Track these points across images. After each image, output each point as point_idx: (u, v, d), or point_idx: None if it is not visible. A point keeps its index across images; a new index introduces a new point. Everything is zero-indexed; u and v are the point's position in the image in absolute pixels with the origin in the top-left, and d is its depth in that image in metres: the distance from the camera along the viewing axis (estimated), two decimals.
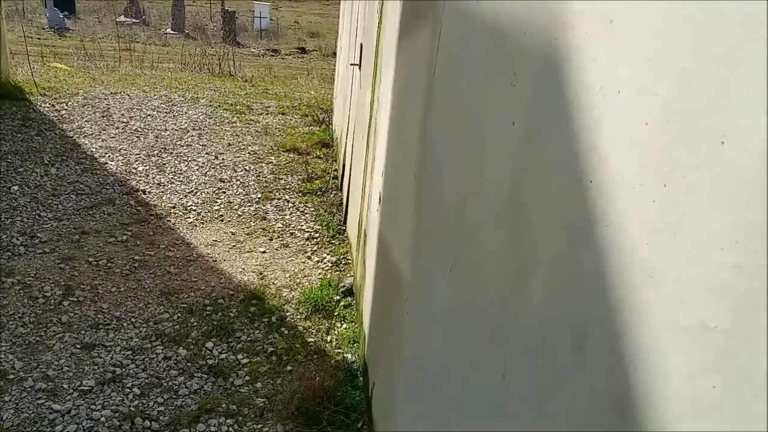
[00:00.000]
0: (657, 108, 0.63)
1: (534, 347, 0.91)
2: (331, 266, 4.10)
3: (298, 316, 3.54)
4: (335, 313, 3.57)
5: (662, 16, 0.64)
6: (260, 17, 22.78)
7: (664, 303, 0.59)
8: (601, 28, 0.77)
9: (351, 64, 4.59)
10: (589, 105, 0.78)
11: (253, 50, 19.50)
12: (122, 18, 22.78)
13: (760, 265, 0.48)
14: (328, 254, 4.25)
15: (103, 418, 2.72)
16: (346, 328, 3.43)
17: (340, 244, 4.41)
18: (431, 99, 1.80)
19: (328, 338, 3.37)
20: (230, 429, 2.72)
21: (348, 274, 3.93)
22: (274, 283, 3.85)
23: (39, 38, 18.96)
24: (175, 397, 2.87)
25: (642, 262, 0.64)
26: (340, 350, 3.26)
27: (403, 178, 2.24)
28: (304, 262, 4.15)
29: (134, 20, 22.49)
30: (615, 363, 0.67)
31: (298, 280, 3.91)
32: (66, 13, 22.64)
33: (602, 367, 0.71)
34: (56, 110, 6.91)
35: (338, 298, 3.68)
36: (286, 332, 3.39)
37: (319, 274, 4.00)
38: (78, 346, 3.19)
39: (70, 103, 7.20)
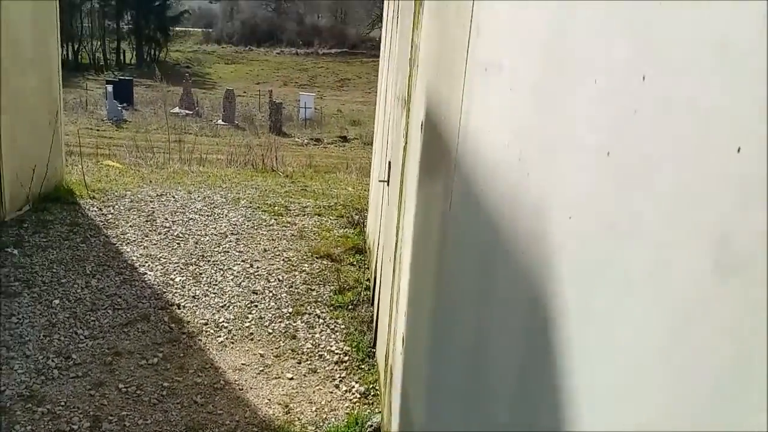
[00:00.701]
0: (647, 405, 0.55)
1: None
2: (360, 398, 3.97)
3: None
4: None
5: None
6: (305, 107, 23.70)
7: None
8: (583, 311, 0.72)
9: (380, 181, 4.63)
10: (582, 387, 0.71)
11: (297, 139, 20.16)
12: (176, 109, 24.03)
13: None
14: (356, 383, 4.14)
15: None
16: None
17: (369, 369, 4.30)
18: (442, 262, 1.75)
19: None
20: None
21: (376, 410, 3.79)
22: (299, 419, 3.74)
23: (98, 129, 20.13)
24: None
25: None
26: None
27: (421, 330, 2.17)
28: (331, 392, 4.04)
29: (188, 111, 23.66)
30: None
31: (324, 415, 3.79)
32: (124, 104, 24.06)
33: None
34: (103, 214, 7.16)
35: None
36: None
37: (347, 407, 3.88)
38: None
39: (117, 206, 7.47)
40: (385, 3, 7.46)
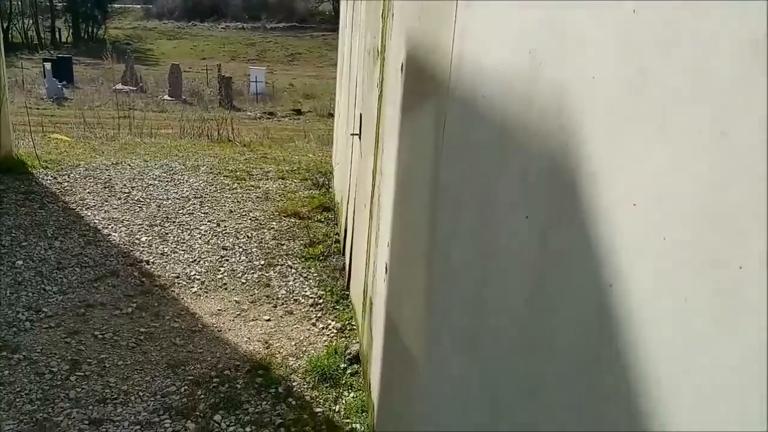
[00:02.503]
0: (674, 224, 0.70)
1: None
2: (337, 332, 4.12)
3: (305, 386, 3.54)
4: (342, 382, 3.57)
5: (683, 146, 0.72)
6: (256, 81, 23.35)
7: (698, 425, 0.64)
8: (612, 144, 0.85)
9: (351, 134, 4.73)
10: (604, 210, 0.85)
11: (250, 113, 19.87)
12: (120, 86, 23.28)
13: None
14: (332, 320, 4.27)
15: None
16: (353, 397, 3.43)
17: (344, 309, 4.44)
18: (438, 182, 1.88)
19: (336, 408, 3.36)
20: None
21: (354, 341, 3.94)
22: (279, 352, 3.86)
23: (38, 108, 19.30)
24: None
25: (669, 383, 0.69)
26: (348, 420, 3.24)
27: (411, 252, 2.30)
28: (309, 329, 4.17)
29: (131, 88, 22.96)
30: None
31: (303, 348, 3.92)
32: (64, 82, 23.14)
33: None
34: (58, 182, 7.02)
35: (345, 365, 3.68)
36: (293, 403, 3.38)
37: (325, 341, 4.02)
38: (86, 422, 3.17)
39: (72, 175, 7.32)
40: None
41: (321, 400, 3.41)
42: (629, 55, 0.83)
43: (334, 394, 3.46)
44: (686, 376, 0.66)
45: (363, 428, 3.15)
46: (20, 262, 4.97)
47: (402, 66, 2.68)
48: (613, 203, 0.84)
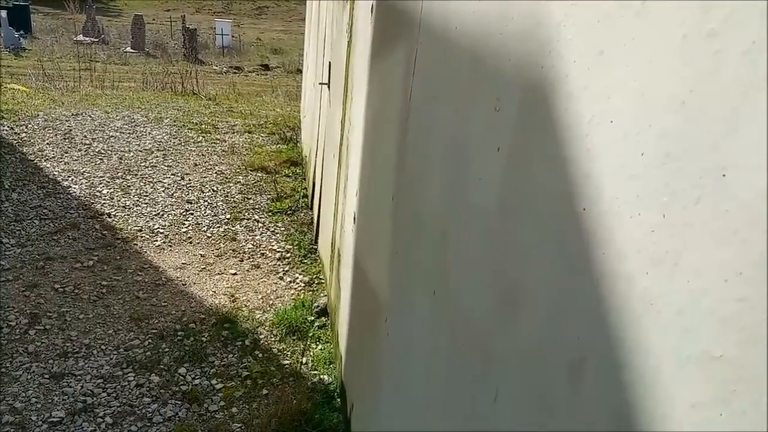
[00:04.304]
0: (653, 139, 0.65)
1: (528, 374, 0.92)
2: (304, 286, 4.07)
3: (272, 339, 3.50)
4: (310, 334, 3.54)
5: (658, 50, 0.66)
6: (222, 34, 22.65)
7: (666, 333, 0.61)
8: (590, 58, 0.79)
9: (320, 84, 4.59)
10: (580, 134, 0.80)
11: (216, 67, 19.32)
12: (81, 37, 22.39)
13: (763, 296, 0.49)
14: (300, 274, 4.22)
15: None
16: (321, 349, 3.40)
17: (312, 263, 4.38)
18: (408, 122, 1.81)
19: (304, 360, 3.33)
20: None
21: (321, 294, 3.91)
22: (246, 306, 3.80)
23: None
24: (149, 425, 2.80)
25: (641, 292, 0.65)
26: (316, 372, 3.22)
27: (379, 198, 2.24)
28: (276, 283, 4.11)
29: (93, 39, 22.10)
30: (615, 392, 0.68)
31: (270, 302, 3.87)
32: (21, 32, 22.13)
33: (602, 397, 0.72)
34: (16, 133, 6.74)
35: (312, 318, 3.65)
36: (260, 355, 3.35)
37: (292, 294, 3.97)
38: (46, 376, 3.09)
39: (30, 125, 7.03)
40: None
41: (288, 353, 3.38)
42: None
43: (302, 346, 3.44)
44: (661, 297, 0.62)
45: (330, 379, 3.13)
46: None
47: (372, 7, 2.57)
48: (588, 121, 0.78)
